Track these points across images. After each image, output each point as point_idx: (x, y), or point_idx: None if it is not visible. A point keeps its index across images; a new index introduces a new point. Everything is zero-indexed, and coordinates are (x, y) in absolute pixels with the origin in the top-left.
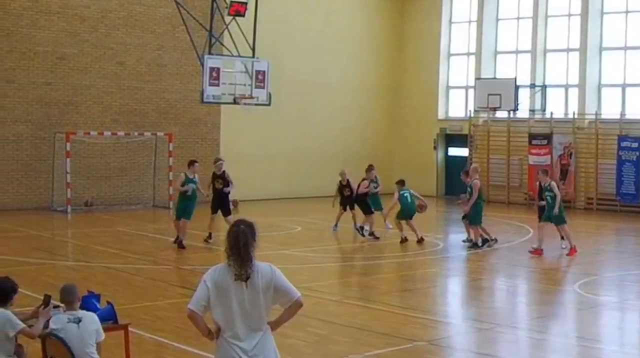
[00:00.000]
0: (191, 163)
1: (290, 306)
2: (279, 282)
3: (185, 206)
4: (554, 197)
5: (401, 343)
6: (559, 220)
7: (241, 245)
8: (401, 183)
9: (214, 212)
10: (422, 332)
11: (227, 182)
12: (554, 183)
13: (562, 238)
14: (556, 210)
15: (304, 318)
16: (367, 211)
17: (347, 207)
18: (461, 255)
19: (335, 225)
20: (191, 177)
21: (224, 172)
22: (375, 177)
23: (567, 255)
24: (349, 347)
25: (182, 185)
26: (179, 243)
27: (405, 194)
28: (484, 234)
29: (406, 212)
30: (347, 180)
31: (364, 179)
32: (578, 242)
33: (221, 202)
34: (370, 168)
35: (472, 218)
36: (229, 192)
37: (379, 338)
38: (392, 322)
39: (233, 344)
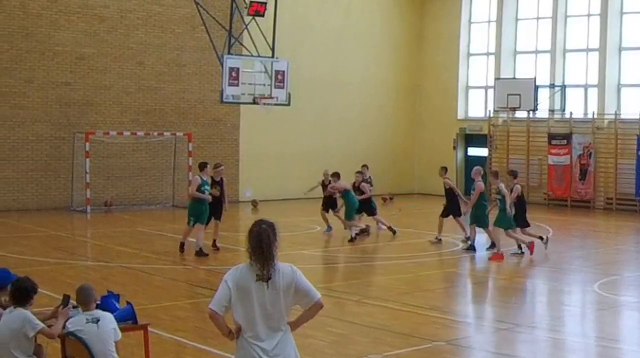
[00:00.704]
0: (204, 165)
1: (310, 307)
2: (300, 283)
3: (202, 210)
4: (502, 200)
5: (420, 343)
6: (506, 224)
7: (264, 245)
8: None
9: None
10: (442, 332)
11: (222, 190)
12: (502, 185)
13: (494, 242)
14: (509, 211)
15: (324, 318)
16: (372, 212)
17: (328, 208)
18: (480, 255)
19: (328, 228)
20: (205, 179)
21: (222, 178)
22: (370, 177)
23: (490, 258)
24: (368, 347)
25: (198, 189)
26: (200, 251)
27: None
28: (491, 239)
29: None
30: (329, 181)
31: (358, 181)
32: (598, 242)
33: (216, 209)
34: (364, 167)
35: (479, 221)
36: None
37: (399, 338)
38: (411, 322)
39: (253, 344)
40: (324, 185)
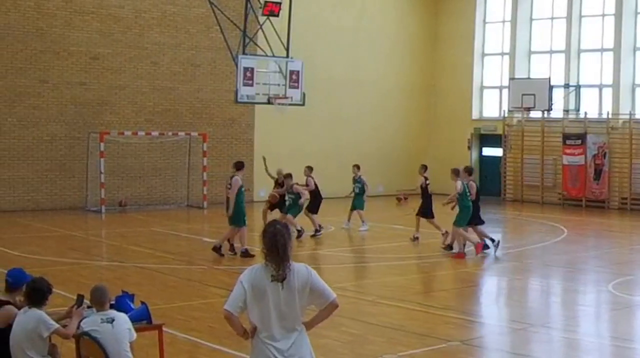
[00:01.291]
0: (242, 165)
1: (325, 307)
2: (314, 283)
3: (244, 212)
4: (460, 198)
5: (435, 343)
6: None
7: (279, 245)
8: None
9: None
10: (457, 332)
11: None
12: (458, 183)
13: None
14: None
15: (339, 318)
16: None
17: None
18: (496, 255)
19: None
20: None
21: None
22: (360, 177)
23: (454, 256)
24: (383, 346)
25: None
26: (245, 252)
27: None
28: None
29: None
30: (282, 180)
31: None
32: (612, 242)
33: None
34: (355, 167)
35: (458, 220)
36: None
37: (414, 338)
38: (426, 322)
39: (269, 344)
40: (277, 183)
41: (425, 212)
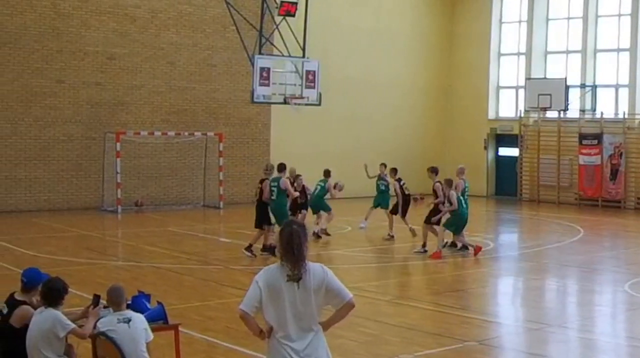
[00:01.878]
0: (284, 166)
1: (342, 307)
2: (330, 283)
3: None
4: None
5: (452, 343)
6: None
7: (295, 245)
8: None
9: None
10: (473, 332)
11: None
12: (437, 185)
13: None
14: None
15: (355, 318)
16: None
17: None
18: (511, 255)
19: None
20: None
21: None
22: (385, 175)
23: (431, 256)
24: (399, 347)
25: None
26: (270, 249)
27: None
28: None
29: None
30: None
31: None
32: (628, 242)
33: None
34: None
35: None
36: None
37: (430, 338)
38: (442, 322)
39: (285, 345)
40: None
41: (396, 209)
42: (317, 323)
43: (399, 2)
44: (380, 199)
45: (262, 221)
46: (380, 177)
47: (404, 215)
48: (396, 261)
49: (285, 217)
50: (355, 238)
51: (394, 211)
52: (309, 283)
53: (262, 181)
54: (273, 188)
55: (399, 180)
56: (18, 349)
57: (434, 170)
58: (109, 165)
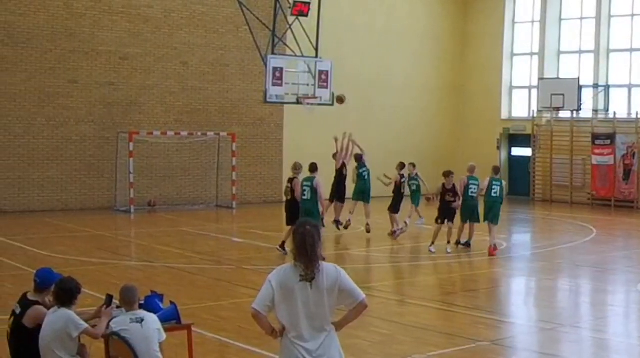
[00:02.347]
0: (316, 167)
1: (355, 307)
2: (344, 283)
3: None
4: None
5: (464, 343)
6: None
7: (308, 246)
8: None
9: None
10: (486, 332)
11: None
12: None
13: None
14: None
15: (368, 318)
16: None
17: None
18: (524, 255)
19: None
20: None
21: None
22: (416, 174)
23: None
24: (412, 347)
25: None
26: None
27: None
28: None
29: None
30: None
31: None
32: None
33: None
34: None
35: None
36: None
37: (443, 338)
38: (455, 322)
39: (297, 345)
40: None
41: (395, 207)
42: (330, 323)
43: (412, 2)
44: (413, 199)
45: (294, 220)
46: (411, 177)
47: (395, 212)
48: (409, 261)
49: (316, 217)
50: (367, 239)
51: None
52: (322, 283)
53: (291, 180)
54: (305, 188)
55: (402, 176)
56: (31, 349)
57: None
58: (122, 165)
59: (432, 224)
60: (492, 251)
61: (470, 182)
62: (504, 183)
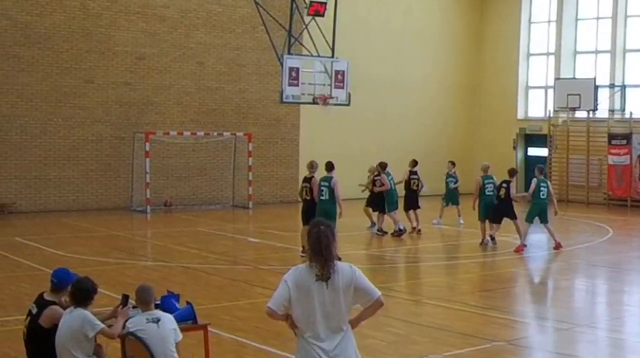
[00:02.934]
0: (332, 166)
1: (370, 305)
2: (359, 282)
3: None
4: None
5: (480, 344)
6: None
7: (323, 246)
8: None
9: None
10: (502, 332)
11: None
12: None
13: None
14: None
15: (384, 318)
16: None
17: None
18: (541, 255)
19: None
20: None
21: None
22: (454, 172)
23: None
24: (428, 347)
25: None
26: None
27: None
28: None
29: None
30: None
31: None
32: None
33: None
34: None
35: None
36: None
37: (459, 338)
38: (471, 322)
39: (314, 345)
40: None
41: (409, 204)
42: (347, 323)
43: (428, 2)
44: (450, 196)
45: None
46: (449, 175)
47: (414, 208)
48: (425, 261)
49: (334, 218)
50: (383, 238)
51: (405, 207)
52: (338, 282)
53: (307, 179)
54: (323, 188)
55: (412, 173)
56: (47, 349)
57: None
58: (138, 165)
59: (450, 225)
60: (520, 249)
61: (486, 181)
62: (549, 183)
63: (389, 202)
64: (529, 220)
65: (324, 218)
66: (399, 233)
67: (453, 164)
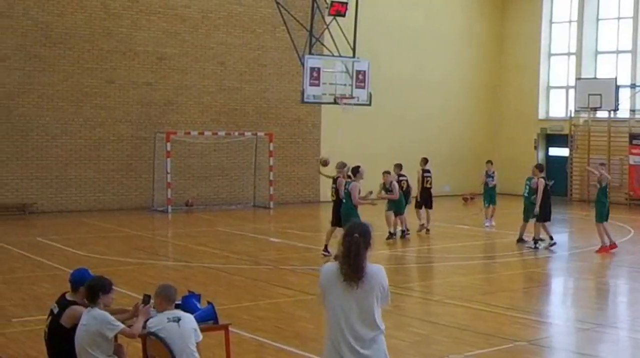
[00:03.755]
0: (357, 170)
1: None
2: (384, 284)
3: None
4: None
5: (502, 343)
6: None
7: (352, 254)
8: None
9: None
10: (523, 332)
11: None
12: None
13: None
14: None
15: (405, 318)
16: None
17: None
18: (562, 255)
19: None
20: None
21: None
22: (493, 172)
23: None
24: (449, 346)
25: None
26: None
27: None
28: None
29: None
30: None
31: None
32: None
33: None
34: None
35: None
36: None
37: (480, 338)
38: (493, 322)
39: (343, 345)
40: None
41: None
42: (378, 324)
43: (449, 2)
44: (489, 196)
45: (338, 221)
46: (488, 175)
47: (428, 207)
48: (446, 261)
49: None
50: (403, 239)
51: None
52: (368, 284)
53: (336, 179)
54: (344, 191)
55: (425, 171)
56: (68, 349)
57: (539, 168)
58: (159, 165)
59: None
60: (607, 249)
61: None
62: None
63: (399, 206)
64: (601, 220)
65: (360, 223)
66: (401, 234)
67: (491, 162)
